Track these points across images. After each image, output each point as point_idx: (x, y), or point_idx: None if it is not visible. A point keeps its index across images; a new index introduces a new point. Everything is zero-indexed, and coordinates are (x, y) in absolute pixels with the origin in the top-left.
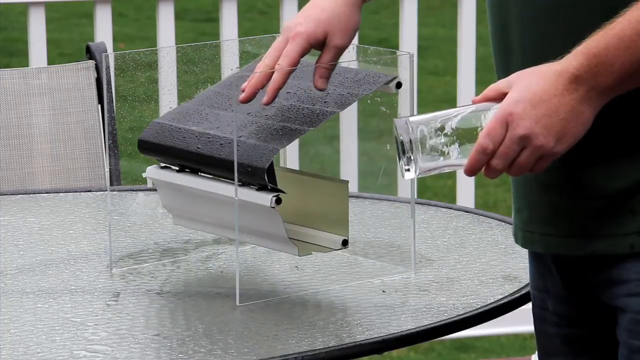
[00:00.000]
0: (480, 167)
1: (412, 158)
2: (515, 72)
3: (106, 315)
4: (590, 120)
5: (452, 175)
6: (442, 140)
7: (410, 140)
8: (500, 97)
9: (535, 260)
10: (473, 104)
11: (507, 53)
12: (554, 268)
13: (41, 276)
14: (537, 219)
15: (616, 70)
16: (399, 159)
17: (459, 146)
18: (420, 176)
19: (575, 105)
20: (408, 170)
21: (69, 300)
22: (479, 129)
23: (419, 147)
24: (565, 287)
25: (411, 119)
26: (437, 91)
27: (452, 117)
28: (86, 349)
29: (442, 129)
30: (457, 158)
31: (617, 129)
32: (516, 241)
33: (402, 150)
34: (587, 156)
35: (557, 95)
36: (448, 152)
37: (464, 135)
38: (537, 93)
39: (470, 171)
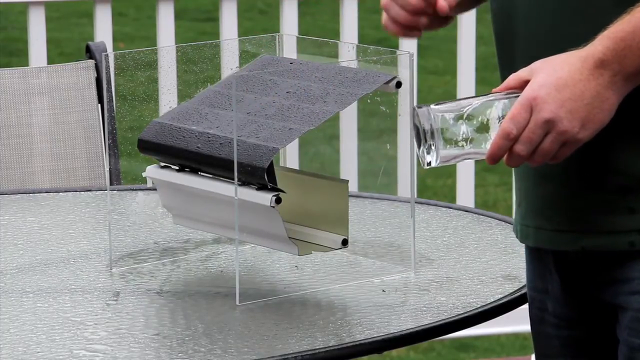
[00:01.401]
0: (502, 154)
1: (432, 146)
2: (520, 60)
3: (106, 315)
4: (614, 107)
5: (452, 175)
6: (464, 128)
7: (432, 129)
8: (522, 86)
9: (535, 260)
10: (494, 93)
11: (510, 41)
12: (553, 268)
13: (41, 276)
14: (533, 212)
15: None
16: (419, 147)
17: (481, 134)
18: (440, 165)
19: (601, 90)
20: (429, 158)
21: (69, 300)
22: (501, 116)
23: (441, 135)
24: (565, 288)
25: (433, 107)
26: (437, 91)
27: (473, 105)
28: (86, 349)
29: (463, 117)
30: (479, 146)
31: (621, 123)
32: (516, 236)
33: (424, 138)
34: (587, 149)
35: (582, 80)
36: (469, 141)
37: (486, 123)
38: (561, 77)
39: (493, 158)
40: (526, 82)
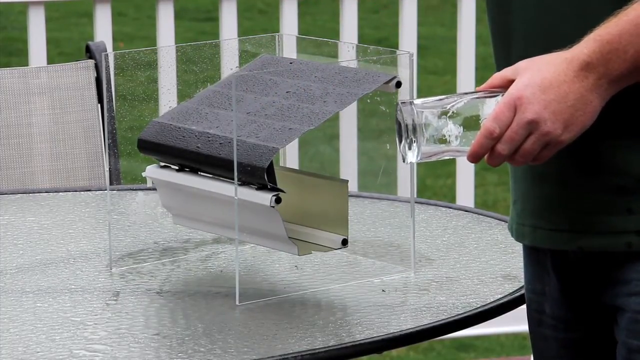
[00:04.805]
0: (484, 153)
1: (414, 142)
2: (516, 59)
3: (106, 315)
4: (598, 110)
5: (451, 175)
6: (447, 125)
7: (415, 124)
8: (506, 85)
9: (532, 262)
10: (478, 92)
11: (507, 40)
12: (551, 269)
13: (41, 275)
14: (529, 211)
15: (629, 58)
16: (400, 142)
17: (463, 132)
18: (421, 161)
19: (585, 93)
20: (410, 154)
21: (69, 300)
22: (484, 115)
23: (423, 131)
24: (563, 289)
25: (416, 102)
26: (436, 90)
27: (457, 103)
28: (86, 348)
29: (446, 114)
30: (461, 144)
31: (620, 124)
32: (511, 234)
33: (406, 133)
34: (586, 150)
35: (566, 81)
36: (451, 138)
37: (469, 121)
38: (546, 78)
39: (474, 157)
40: (510, 82)
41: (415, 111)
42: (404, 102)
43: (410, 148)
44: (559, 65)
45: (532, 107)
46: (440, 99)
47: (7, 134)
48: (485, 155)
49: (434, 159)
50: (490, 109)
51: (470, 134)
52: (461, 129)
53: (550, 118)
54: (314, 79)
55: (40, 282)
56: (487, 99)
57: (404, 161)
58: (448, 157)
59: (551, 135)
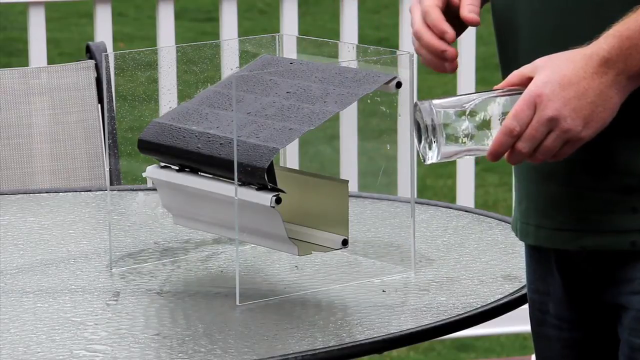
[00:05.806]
0: (504, 151)
1: (434, 142)
2: (525, 57)
3: (106, 315)
4: (617, 106)
5: (452, 175)
6: (466, 124)
7: (434, 124)
8: (524, 83)
9: (535, 262)
10: (496, 90)
11: (514, 38)
12: (555, 269)
13: (41, 276)
14: (534, 211)
15: None
16: (419, 143)
17: (482, 131)
18: (441, 161)
19: (604, 89)
20: (430, 154)
21: (69, 300)
22: (504, 113)
23: (443, 131)
24: (567, 289)
25: (435, 102)
26: (437, 91)
27: (475, 101)
28: (86, 349)
29: (465, 113)
30: (480, 143)
31: (626, 123)
32: (515, 234)
33: (425, 133)
34: (592, 149)
35: (586, 78)
36: (471, 137)
37: (487, 120)
38: (566, 75)
39: (494, 155)
40: (529, 79)
41: (434, 111)
42: (422, 102)
43: (430, 148)
44: (578, 61)
45: (552, 104)
46: (458, 98)
47: (7, 134)
48: (505, 154)
49: (453, 158)
50: (509, 107)
51: (489, 133)
52: (480, 127)
53: (570, 115)
54: (314, 79)
55: (41, 282)
56: (506, 97)
57: (423, 161)
58: (468, 156)
59: (571, 132)
